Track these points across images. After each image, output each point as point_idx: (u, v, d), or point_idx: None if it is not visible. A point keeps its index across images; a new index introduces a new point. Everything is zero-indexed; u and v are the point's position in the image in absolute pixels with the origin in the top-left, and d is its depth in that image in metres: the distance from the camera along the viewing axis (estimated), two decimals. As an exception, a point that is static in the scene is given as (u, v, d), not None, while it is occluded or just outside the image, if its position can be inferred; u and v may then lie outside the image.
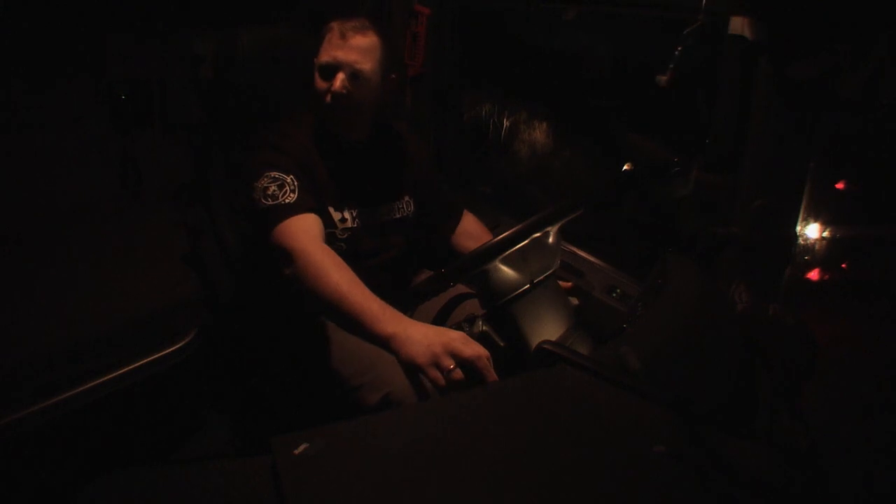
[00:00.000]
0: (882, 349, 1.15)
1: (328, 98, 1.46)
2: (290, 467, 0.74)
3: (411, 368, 1.11)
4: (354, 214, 1.56)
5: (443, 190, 1.81)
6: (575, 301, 1.62)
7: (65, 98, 1.91)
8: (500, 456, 0.79)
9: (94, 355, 1.55)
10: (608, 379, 0.94)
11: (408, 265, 1.74)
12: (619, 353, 0.99)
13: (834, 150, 1.36)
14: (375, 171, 1.64)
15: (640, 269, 1.85)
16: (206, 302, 1.71)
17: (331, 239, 1.48)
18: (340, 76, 1.45)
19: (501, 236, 1.29)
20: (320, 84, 1.48)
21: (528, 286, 1.36)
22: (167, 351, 1.67)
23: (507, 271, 1.35)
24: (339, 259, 1.26)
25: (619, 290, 1.83)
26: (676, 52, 1.38)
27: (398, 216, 1.66)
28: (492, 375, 1.09)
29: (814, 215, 1.35)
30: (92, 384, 1.52)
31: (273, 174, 1.38)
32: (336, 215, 1.53)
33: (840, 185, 1.37)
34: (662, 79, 1.40)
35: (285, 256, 1.29)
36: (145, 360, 1.62)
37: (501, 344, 1.23)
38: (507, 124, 2.48)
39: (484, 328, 1.24)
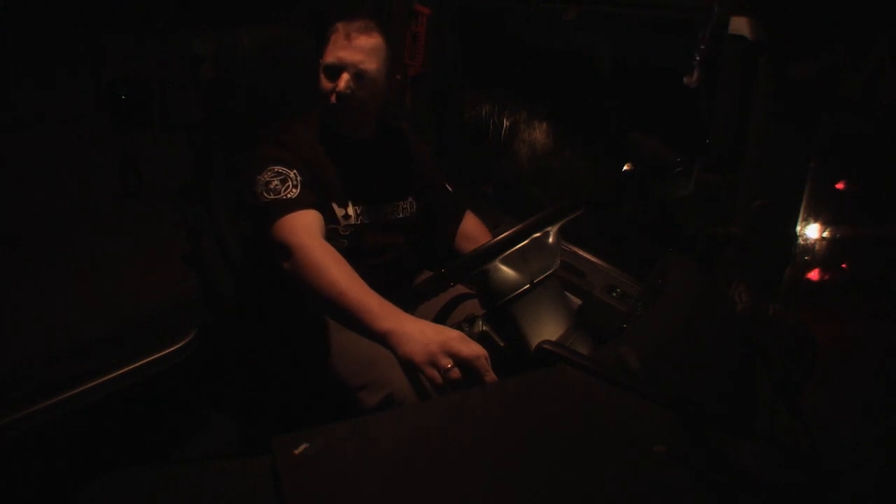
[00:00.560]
0: (882, 349, 1.15)
1: (333, 98, 1.47)
2: (290, 467, 0.74)
3: (409, 366, 1.11)
4: (358, 212, 1.56)
5: (445, 190, 1.81)
6: (577, 301, 1.62)
7: (65, 98, 1.92)
8: (500, 456, 0.79)
9: (94, 355, 1.55)
10: (608, 379, 0.94)
11: (409, 265, 1.74)
12: (619, 353, 0.99)
13: (834, 150, 1.36)
14: (380, 170, 1.64)
15: (640, 269, 1.85)
16: (206, 302, 1.71)
17: (333, 235, 1.48)
18: (345, 76, 1.46)
19: (501, 236, 1.29)
20: (325, 84, 1.49)
21: (528, 286, 1.36)
22: (167, 351, 1.67)
23: (507, 271, 1.35)
24: (338, 255, 1.26)
25: (618, 290, 1.83)
26: (698, 51, 1.38)
27: (401, 216, 1.66)
28: (490, 376, 1.08)
29: (814, 215, 1.35)
30: (92, 384, 1.52)
31: (277, 168, 1.38)
32: (339, 212, 1.53)
33: (840, 185, 1.37)
34: (689, 79, 1.41)
35: (284, 251, 1.28)
36: (145, 360, 1.62)
37: (501, 344, 1.23)
38: (507, 124, 2.48)
39: (484, 328, 1.24)
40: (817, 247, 1.36)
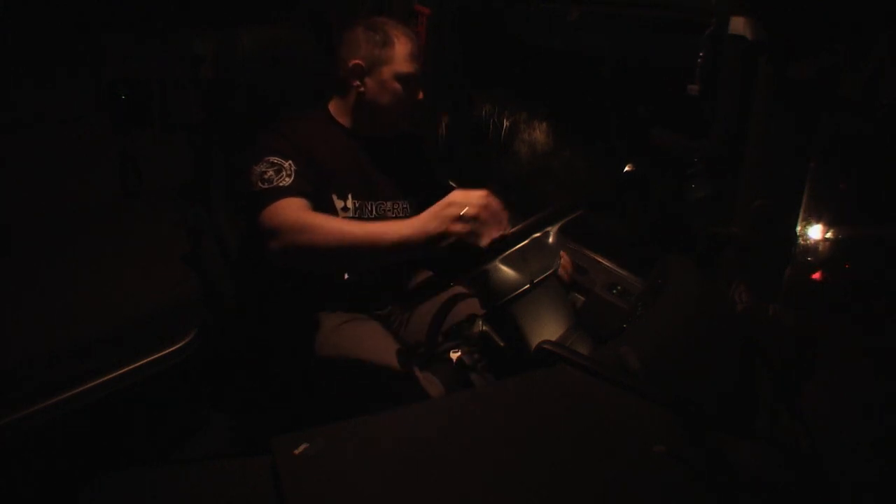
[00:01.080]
0: (882, 349, 1.14)
1: (408, 107, 1.56)
2: (290, 467, 0.74)
3: (435, 242, 1.18)
4: (357, 205, 1.56)
5: (446, 191, 1.81)
6: (581, 298, 1.61)
7: (65, 98, 1.92)
8: (500, 456, 0.79)
9: (94, 355, 1.55)
10: (608, 379, 0.94)
11: (407, 264, 1.74)
12: (619, 353, 0.99)
13: (834, 150, 1.36)
14: (385, 167, 1.65)
15: (641, 269, 1.86)
16: (206, 302, 1.71)
17: None
18: (421, 90, 1.56)
19: (501, 236, 1.29)
20: (400, 91, 1.54)
21: (528, 286, 1.36)
22: (167, 351, 1.67)
23: (507, 271, 1.35)
24: (328, 215, 1.29)
25: (619, 287, 1.84)
26: (700, 59, 1.40)
27: (401, 215, 1.66)
28: (489, 234, 1.17)
29: (815, 216, 1.35)
30: (92, 384, 1.52)
31: (272, 159, 1.38)
32: (339, 203, 1.53)
33: (841, 186, 1.37)
34: (693, 87, 1.42)
35: (272, 233, 1.26)
36: (145, 360, 1.62)
37: (501, 344, 1.23)
38: (508, 124, 2.48)
39: (484, 328, 1.24)
40: (819, 247, 1.36)
